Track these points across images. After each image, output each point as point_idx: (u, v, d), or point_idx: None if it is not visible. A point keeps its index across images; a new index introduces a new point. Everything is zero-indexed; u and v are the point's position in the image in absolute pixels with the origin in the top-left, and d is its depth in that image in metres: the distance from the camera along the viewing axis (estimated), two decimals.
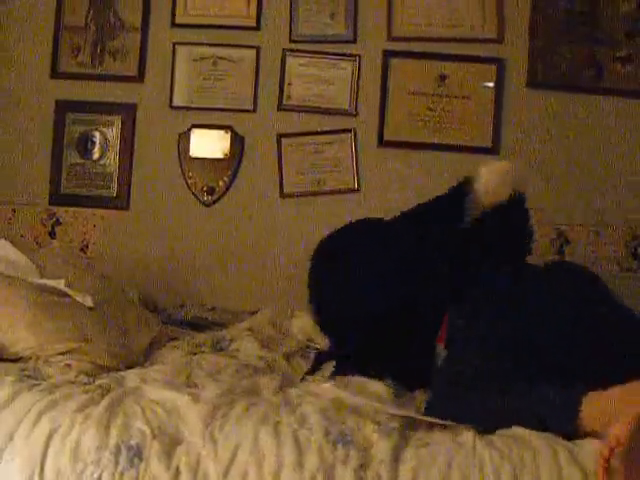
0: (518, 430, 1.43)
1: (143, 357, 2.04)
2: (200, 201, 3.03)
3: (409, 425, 1.44)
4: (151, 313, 2.47)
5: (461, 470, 1.34)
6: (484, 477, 1.33)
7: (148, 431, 1.42)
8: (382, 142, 3.02)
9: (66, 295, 2.03)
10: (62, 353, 1.84)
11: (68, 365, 1.79)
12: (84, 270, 2.37)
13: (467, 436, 1.41)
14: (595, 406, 1.38)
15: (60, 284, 2.03)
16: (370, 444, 1.38)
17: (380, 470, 1.33)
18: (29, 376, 1.67)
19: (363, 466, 1.34)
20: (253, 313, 2.72)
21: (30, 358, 1.82)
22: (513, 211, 2.01)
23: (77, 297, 2.02)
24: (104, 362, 1.87)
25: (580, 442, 1.39)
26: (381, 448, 1.36)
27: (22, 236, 3.02)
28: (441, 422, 1.45)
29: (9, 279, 1.98)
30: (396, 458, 1.35)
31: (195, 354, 2.10)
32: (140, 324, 2.24)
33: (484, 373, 1.53)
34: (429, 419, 1.46)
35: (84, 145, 3.06)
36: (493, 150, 2.98)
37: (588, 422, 1.38)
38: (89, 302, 2.03)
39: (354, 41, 3.02)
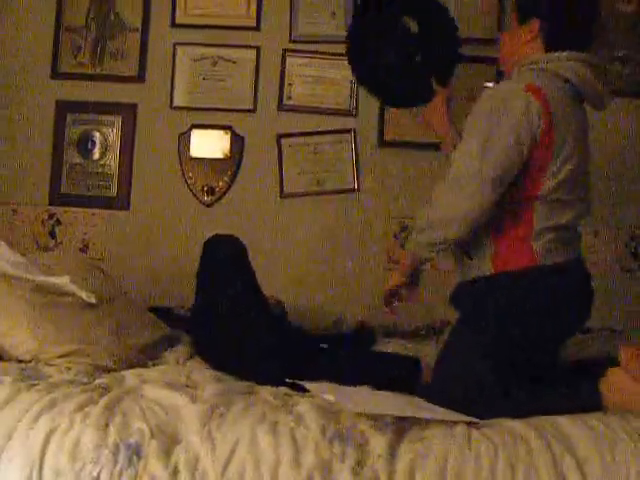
0: (510, 421, 1.46)
1: (145, 357, 2.04)
2: (200, 201, 3.03)
3: (404, 420, 1.45)
4: (155, 316, 2.45)
5: (457, 462, 1.35)
6: (480, 469, 1.35)
7: (147, 430, 1.42)
8: (382, 142, 3.02)
9: (67, 294, 2.03)
10: (62, 356, 1.84)
11: (67, 368, 1.79)
12: (88, 271, 2.36)
13: (462, 429, 1.42)
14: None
15: (64, 280, 2.02)
16: (366, 440, 1.38)
17: (376, 466, 1.34)
18: (28, 376, 1.68)
19: (360, 462, 1.35)
20: None
21: (30, 361, 1.82)
22: None
23: (81, 294, 2.02)
24: (104, 363, 1.87)
25: (574, 433, 1.41)
26: (377, 444, 1.37)
27: (22, 236, 3.02)
28: (439, 418, 1.46)
29: (9, 279, 1.97)
30: (392, 453, 1.36)
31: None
32: (142, 324, 2.23)
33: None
34: (427, 416, 1.47)
35: (84, 145, 3.07)
36: None
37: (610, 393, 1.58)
38: (92, 299, 2.03)
39: None
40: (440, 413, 1.50)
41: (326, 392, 1.54)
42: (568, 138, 1.79)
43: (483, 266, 1.82)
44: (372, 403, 1.55)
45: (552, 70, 1.82)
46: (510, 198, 1.77)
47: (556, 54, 1.84)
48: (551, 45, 1.86)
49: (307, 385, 1.63)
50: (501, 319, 1.75)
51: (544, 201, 1.77)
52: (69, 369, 1.79)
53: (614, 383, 1.59)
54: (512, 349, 1.73)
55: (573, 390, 1.61)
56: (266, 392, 1.65)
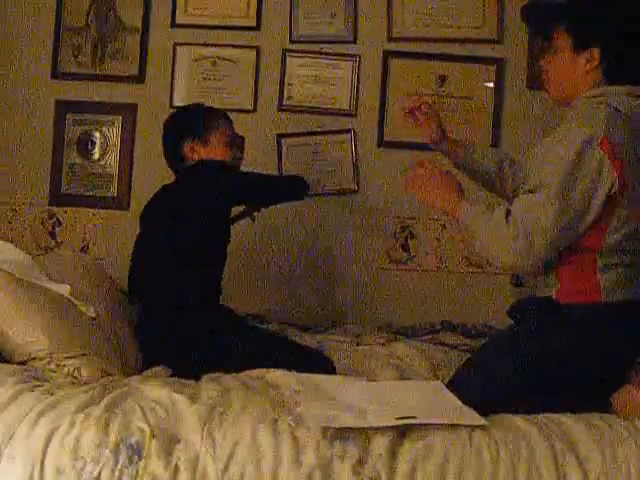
0: (512, 419, 1.46)
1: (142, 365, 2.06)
2: None
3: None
4: None
5: (458, 462, 1.36)
6: (481, 468, 1.35)
7: (147, 429, 1.42)
8: (382, 143, 3.03)
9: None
10: (68, 358, 1.83)
11: (77, 369, 1.79)
12: (88, 271, 2.36)
13: (463, 428, 1.42)
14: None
15: (65, 291, 2.02)
16: (367, 440, 1.38)
17: (377, 465, 1.34)
18: (30, 377, 1.67)
19: (360, 461, 1.34)
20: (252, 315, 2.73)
21: (42, 359, 1.82)
22: None
23: (81, 307, 2.02)
24: (107, 369, 1.87)
25: (577, 431, 1.41)
26: (378, 443, 1.37)
27: (22, 236, 3.03)
28: (437, 422, 1.45)
29: (25, 282, 1.97)
30: (393, 452, 1.36)
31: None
32: None
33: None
34: (425, 421, 1.46)
35: (84, 145, 3.07)
36: None
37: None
38: (91, 313, 2.04)
39: (354, 41, 3.03)
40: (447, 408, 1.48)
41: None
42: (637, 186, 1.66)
43: (547, 294, 1.75)
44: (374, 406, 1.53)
45: (615, 106, 1.67)
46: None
47: (618, 88, 1.70)
48: (611, 78, 1.72)
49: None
50: (550, 347, 1.69)
51: (606, 250, 1.68)
52: (71, 371, 1.78)
53: (627, 400, 1.58)
54: (549, 371, 1.67)
55: (585, 405, 1.59)
56: (266, 391, 1.65)
